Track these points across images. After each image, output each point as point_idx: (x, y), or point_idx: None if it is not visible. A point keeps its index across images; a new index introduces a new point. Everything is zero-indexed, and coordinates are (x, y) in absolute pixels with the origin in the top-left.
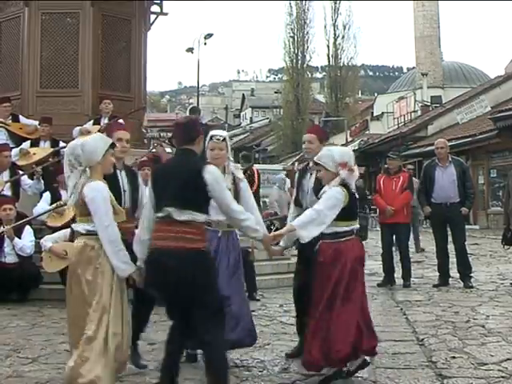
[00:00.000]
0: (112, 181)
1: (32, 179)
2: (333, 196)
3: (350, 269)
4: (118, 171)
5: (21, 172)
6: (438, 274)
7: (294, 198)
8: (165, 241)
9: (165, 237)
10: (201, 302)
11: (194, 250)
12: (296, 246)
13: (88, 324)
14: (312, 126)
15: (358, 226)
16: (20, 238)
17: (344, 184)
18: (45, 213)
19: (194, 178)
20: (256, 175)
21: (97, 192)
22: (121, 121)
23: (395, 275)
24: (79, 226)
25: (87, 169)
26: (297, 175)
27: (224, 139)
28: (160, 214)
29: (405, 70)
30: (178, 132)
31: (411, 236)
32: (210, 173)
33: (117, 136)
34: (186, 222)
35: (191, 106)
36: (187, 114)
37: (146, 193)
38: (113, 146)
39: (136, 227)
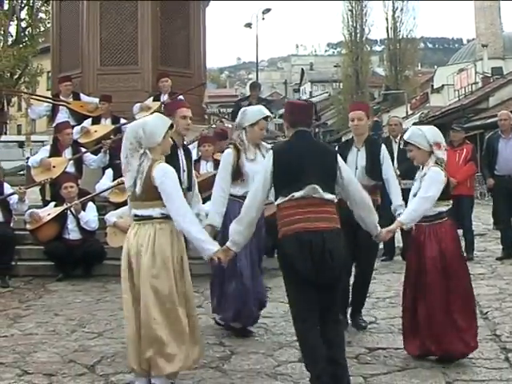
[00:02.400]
0: (173, 160)
1: (96, 155)
2: (435, 177)
3: (452, 249)
4: (178, 149)
5: (83, 149)
6: (501, 246)
7: None
8: (314, 222)
9: (315, 218)
10: (341, 281)
11: (339, 229)
12: None
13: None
14: (355, 102)
15: (450, 206)
16: None
17: (439, 163)
18: (108, 189)
19: (333, 159)
20: None
21: (168, 174)
22: (181, 97)
23: None
24: (152, 211)
25: (147, 151)
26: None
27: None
28: (298, 194)
29: (465, 42)
30: (299, 112)
31: None
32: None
33: (181, 113)
34: (330, 201)
35: (251, 81)
36: (247, 89)
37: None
38: (172, 126)
39: None
